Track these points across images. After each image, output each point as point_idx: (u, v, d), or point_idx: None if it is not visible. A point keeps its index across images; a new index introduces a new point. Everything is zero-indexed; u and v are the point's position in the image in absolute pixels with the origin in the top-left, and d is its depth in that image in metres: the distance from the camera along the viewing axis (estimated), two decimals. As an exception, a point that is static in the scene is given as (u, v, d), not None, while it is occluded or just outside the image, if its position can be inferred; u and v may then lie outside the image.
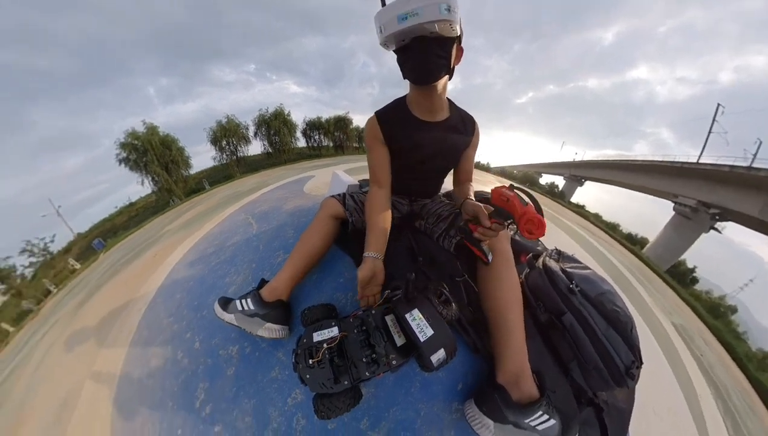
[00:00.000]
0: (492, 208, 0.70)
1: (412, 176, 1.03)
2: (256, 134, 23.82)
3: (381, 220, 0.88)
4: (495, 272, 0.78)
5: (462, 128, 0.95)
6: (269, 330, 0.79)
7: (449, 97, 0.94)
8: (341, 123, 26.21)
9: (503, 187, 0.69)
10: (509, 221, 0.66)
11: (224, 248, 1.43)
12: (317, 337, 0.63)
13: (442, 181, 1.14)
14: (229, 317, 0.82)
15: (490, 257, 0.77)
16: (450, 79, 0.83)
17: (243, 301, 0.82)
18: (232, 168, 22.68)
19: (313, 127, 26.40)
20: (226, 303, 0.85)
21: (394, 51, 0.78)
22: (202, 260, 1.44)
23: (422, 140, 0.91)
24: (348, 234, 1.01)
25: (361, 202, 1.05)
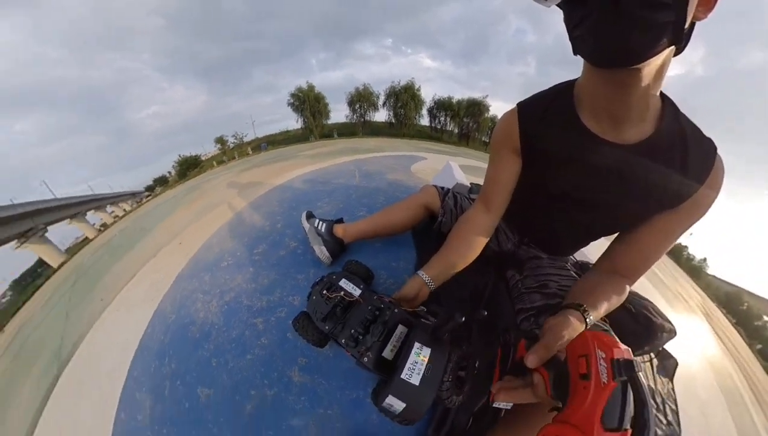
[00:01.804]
0: (561, 360, 0.39)
1: (542, 216, 0.68)
2: (384, 104, 26.00)
3: (463, 250, 0.66)
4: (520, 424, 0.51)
5: (679, 163, 0.47)
6: (320, 251, 0.95)
7: (665, 94, 0.48)
8: (474, 108, 23.73)
9: (620, 347, 0.33)
10: (558, 406, 0.36)
11: (329, 182, 1.83)
12: (342, 284, 0.67)
13: (587, 243, 0.72)
14: (305, 225, 1.04)
15: (502, 405, 0.44)
16: (679, 52, 0.41)
17: (320, 222, 0.99)
18: (358, 128, 26.50)
19: (441, 107, 25.08)
20: (310, 216, 1.07)
21: (558, 4, 0.39)
22: (312, 182, 1.89)
23: (584, 170, 0.53)
24: (431, 230, 0.94)
25: (461, 209, 0.88)
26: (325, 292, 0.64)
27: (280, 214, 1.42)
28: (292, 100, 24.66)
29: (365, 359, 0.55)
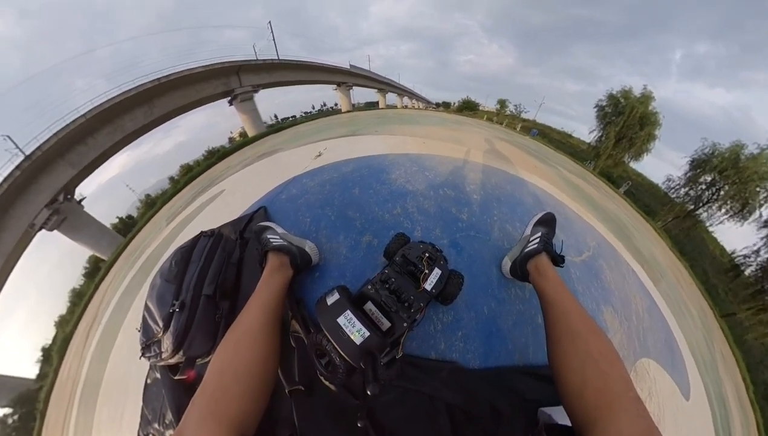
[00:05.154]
0: None
1: None
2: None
3: None
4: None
5: None
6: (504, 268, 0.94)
7: None
8: None
9: None
10: None
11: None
12: (434, 273, 0.67)
13: None
14: (528, 228, 0.92)
15: None
16: None
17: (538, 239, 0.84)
18: (674, 211, 13.70)
19: None
20: (541, 222, 0.92)
21: None
22: (536, 200, 1.47)
23: None
24: None
25: None
26: (426, 254, 0.68)
27: (486, 192, 1.25)
28: (604, 103, 14.95)
29: (365, 287, 0.62)
